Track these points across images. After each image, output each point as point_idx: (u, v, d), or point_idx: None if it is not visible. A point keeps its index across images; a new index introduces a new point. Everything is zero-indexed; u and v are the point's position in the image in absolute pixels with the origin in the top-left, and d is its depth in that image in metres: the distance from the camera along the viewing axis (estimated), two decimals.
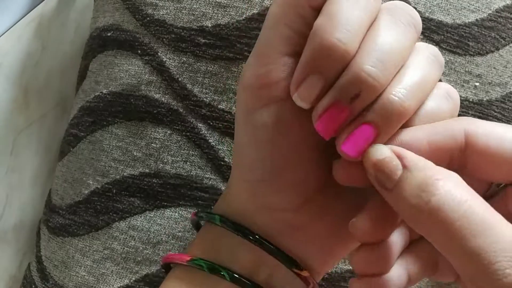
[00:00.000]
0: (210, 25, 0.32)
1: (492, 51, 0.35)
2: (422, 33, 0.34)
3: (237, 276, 0.23)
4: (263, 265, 0.23)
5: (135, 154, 0.33)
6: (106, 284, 0.32)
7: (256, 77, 0.21)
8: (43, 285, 0.34)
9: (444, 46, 0.34)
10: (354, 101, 0.19)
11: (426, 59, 0.21)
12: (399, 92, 0.19)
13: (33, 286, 0.35)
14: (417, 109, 0.20)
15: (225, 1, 0.32)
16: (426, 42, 0.34)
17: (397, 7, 0.21)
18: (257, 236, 0.23)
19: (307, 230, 0.24)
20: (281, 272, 0.24)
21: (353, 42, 0.19)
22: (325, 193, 0.23)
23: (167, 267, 0.26)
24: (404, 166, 0.18)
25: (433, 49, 0.21)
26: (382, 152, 0.19)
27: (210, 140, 0.32)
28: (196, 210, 0.26)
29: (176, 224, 0.32)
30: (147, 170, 0.32)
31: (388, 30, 0.20)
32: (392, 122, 0.19)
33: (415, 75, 0.20)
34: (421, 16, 0.34)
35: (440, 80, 0.23)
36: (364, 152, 0.20)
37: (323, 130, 0.20)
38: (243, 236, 0.23)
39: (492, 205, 0.18)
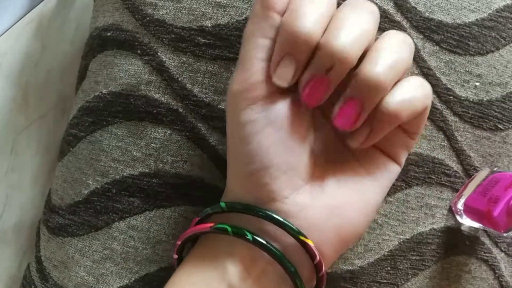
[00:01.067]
0: (210, 25, 0.32)
1: (492, 51, 0.35)
2: (422, 33, 0.34)
3: (257, 237, 0.25)
4: (273, 240, 0.26)
5: (134, 154, 0.33)
6: (105, 284, 0.32)
7: (240, 82, 0.24)
8: (43, 286, 0.34)
9: (444, 46, 0.34)
10: (329, 72, 0.23)
11: (396, 42, 0.24)
12: (374, 68, 0.23)
13: (33, 287, 0.35)
14: (393, 86, 0.24)
15: (225, 1, 0.32)
16: (426, 42, 0.34)
17: (355, 0, 0.24)
18: (265, 211, 0.25)
19: (300, 218, 0.25)
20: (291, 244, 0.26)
21: (314, 27, 0.22)
22: (312, 182, 0.26)
23: (180, 250, 0.29)
24: None
25: (403, 34, 0.24)
26: None
27: (210, 140, 0.32)
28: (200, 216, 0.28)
29: (176, 224, 0.32)
30: (146, 170, 0.32)
31: (348, 15, 0.23)
32: (371, 94, 0.23)
33: (387, 55, 0.23)
34: (421, 16, 0.34)
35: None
36: (354, 124, 0.24)
37: (308, 100, 0.24)
38: (250, 212, 0.25)
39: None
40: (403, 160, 0.28)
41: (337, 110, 0.24)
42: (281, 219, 0.25)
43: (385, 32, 0.25)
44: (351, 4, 0.24)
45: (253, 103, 0.24)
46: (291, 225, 0.25)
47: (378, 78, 0.23)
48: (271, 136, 0.24)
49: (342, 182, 0.26)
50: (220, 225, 0.26)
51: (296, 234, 0.25)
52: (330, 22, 0.23)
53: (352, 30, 0.22)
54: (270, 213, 0.25)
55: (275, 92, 0.24)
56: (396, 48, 0.24)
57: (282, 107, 0.24)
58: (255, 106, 0.24)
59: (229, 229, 0.25)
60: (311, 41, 0.23)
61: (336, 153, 0.27)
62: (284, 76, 0.23)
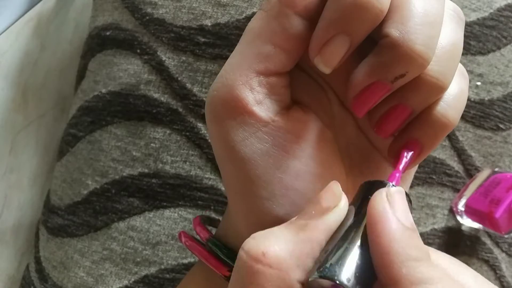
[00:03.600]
0: (209, 24, 0.32)
1: (494, 50, 0.35)
2: None
3: None
4: None
5: (134, 154, 0.32)
6: (105, 285, 0.32)
7: (226, 101, 0.19)
8: (42, 286, 0.34)
9: None
10: (398, 80, 0.17)
11: (451, 20, 0.19)
12: (439, 69, 0.18)
13: (32, 287, 0.34)
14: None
15: (224, 0, 0.32)
16: None
17: None
18: None
19: None
20: None
21: (387, 0, 0.17)
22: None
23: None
24: None
25: (452, 5, 0.19)
26: None
27: (210, 140, 0.32)
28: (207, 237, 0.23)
29: (175, 224, 0.32)
30: (146, 170, 0.32)
31: None
32: (428, 100, 0.18)
33: (449, 43, 0.18)
34: None
35: None
36: (396, 131, 0.19)
37: (359, 108, 0.18)
38: None
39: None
40: None
41: (380, 116, 0.19)
42: None
43: None
44: None
45: (247, 127, 0.19)
46: None
47: (443, 82, 0.18)
48: (294, 170, 0.19)
49: None
50: None
51: None
52: None
53: (433, 23, 0.17)
54: None
55: (280, 112, 0.19)
56: (454, 32, 0.18)
57: (297, 128, 0.19)
58: (258, 133, 0.19)
59: None
60: (380, 19, 0.17)
61: (362, 154, 0.22)
62: (332, 61, 0.17)
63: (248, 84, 0.18)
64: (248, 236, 0.20)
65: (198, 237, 0.24)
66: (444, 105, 0.19)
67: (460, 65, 0.20)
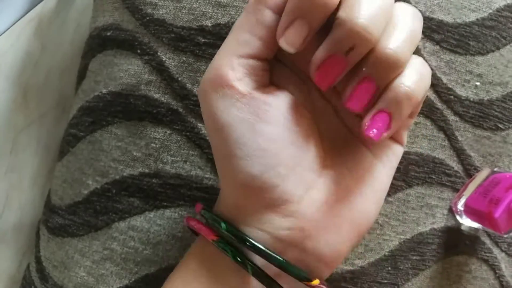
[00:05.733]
0: (210, 25, 0.32)
1: (493, 51, 0.35)
2: (423, 32, 0.34)
3: (260, 271, 0.23)
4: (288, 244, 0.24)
5: (134, 154, 0.33)
6: (105, 285, 0.32)
7: (211, 79, 0.23)
8: (43, 286, 0.34)
9: (444, 46, 0.34)
10: (349, 53, 0.21)
11: (410, 15, 0.22)
12: (392, 44, 0.21)
13: (33, 287, 0.35)
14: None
15: (225, 1, 0.32)
16: (427, 41, 0.34)
17: None
18: (267, 250, 0.23)
19: (318, 218, 0.23)
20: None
21: None
22: (324, 175, 0.24)
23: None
24: None
25: (411, 7, 0.23)
26: None
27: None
28: (202, 209, 0.26)
29: (176, 224, 0.32)
30: (146, 170, 0.32)
31: None
32: (388, 74, 0.21)
33: (403, 28, 0.21)
34: (421, 16, 0.34)
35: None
36: (367, 105, 0.22)
37: (321, 81, 0.22)
38: (250, 247, 0.23)
39: None
40: (405, 139, 0.26)
41: (349, 92, 0.22)
42: (284, 263, 0.23)
43: (395, 4, 0.23)
44: None
45: (228, 98, 0.22)
46: (296, 271, 0.23)
47: (397, 55, 0.21)
48: (267, 133, 0.22)
49: (353, 171, 0.24)
50: (222, 243, 0.24)
51: (300, 279, 0.23)
52: None
53: (376, 3, 0.20)
54: (274, 255, 0.23)
55: (257, 88, 0.23)
56: (411, 22, 0.22)
57: (272, 100, 0.23)
58: (237, 103, 0.22)
59: (229, 253, 0.23)
60: (330, 8, 0.20)
61: (342, 139, 0.25)
62: (294, 42, 0.21)
63: (230, 65, 0.22)
64: (231, 200, 0.24)
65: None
66: (404, 77, 0.22)
67: (420, 58, 0.23)
